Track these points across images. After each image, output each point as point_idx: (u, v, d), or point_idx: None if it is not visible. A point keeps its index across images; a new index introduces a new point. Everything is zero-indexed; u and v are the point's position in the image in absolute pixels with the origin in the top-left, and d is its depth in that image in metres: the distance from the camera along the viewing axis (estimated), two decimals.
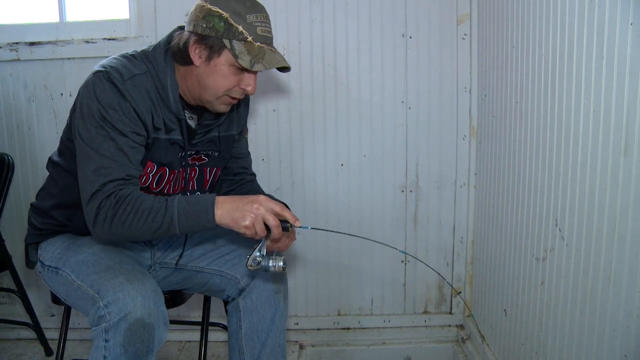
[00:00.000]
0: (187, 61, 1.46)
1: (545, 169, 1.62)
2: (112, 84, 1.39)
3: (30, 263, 1.69)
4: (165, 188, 1.59)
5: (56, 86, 2.38)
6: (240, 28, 1.39)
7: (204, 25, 1.39)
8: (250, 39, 1.40)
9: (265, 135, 2.40)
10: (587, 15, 1.34)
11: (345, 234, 1.58)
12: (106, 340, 1.28)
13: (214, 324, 2.15)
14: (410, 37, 2.31)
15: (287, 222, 1.38)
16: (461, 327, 2.52)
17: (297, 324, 2.53)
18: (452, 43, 2.32)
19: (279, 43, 2.26)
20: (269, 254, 1.44)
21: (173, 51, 1.48)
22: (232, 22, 1.38)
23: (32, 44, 2.35)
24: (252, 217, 1.34)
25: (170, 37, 1.51)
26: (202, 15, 1.40)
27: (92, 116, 1.38)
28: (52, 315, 2.58)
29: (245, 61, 1.39)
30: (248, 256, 1.42)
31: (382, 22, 2.31)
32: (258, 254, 1.42)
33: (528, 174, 1.75)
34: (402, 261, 2.48)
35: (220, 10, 1.39)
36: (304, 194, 2.43)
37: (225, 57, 1.41)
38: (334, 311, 2.55)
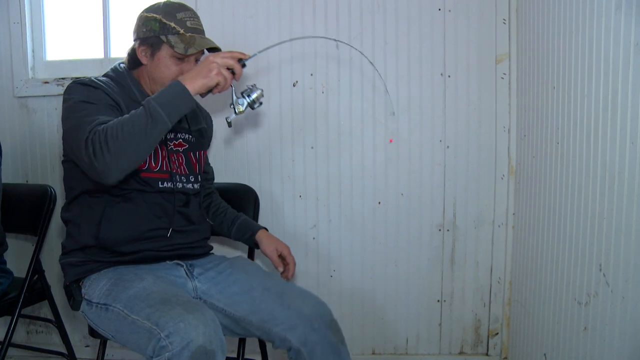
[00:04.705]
0: (137, 63, 1.74)
1: (588, 212, 1.59)
2: (81, 84, 1.63)
3: (75, 303, 1.66)
4: (164, 165, 1.73)
5: None
6: (172, 24, 1.66)
7: (144, 30, 1.69)
8: (182, 31, 1.67)
9: (303, 172, 2.41)
10: (633, 59, 1.33)
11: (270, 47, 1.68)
12: None
13: None
14: (449, 76, 2.32)
15: (241, 59, 1.54)
16: None
17: None
18: (491, 82, 2.32)
19: (318, 81, 2.31)
20: (245, 95, 1.58)
21: (127, 61, 1.77)
22: (165, 21, 1.67)
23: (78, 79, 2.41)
24: (215, 66, 1.50)
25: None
26: (141, 22, 1.71)
27: (70, 107, 1.58)
28: (87, 346, 2.59)
29: (180, 48, 1.65)
30: (231, 106, 1.58)
31: (421, 61, 2.33)
32: (236, 97, 1.58)
33: (570, 216, 1.73)
34: (437, 301, 2.45)
35: (154, 14, 1.68)
36: (341, 232, 2.43)
37: (165, 50, 1.68)
38: (369, 350, 2.52)
